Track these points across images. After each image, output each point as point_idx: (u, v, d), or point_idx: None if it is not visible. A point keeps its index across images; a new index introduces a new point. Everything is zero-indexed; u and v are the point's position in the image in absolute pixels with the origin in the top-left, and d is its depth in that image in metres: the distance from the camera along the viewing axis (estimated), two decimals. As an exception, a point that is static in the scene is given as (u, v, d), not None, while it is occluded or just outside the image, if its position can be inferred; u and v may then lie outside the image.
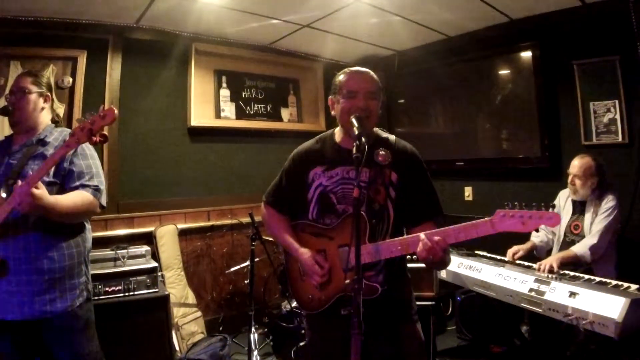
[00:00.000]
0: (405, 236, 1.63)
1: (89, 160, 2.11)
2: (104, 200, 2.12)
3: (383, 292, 1.67)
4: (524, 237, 3.42)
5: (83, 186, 2.04)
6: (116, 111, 1.78)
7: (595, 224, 2.94)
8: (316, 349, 1.92)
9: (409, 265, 2.01)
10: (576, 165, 3.04)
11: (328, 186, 1.82)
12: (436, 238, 1.52)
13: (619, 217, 2.95)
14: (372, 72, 1.79)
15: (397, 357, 1.76)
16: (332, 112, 1.85)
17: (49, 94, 2.21)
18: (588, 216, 3.01)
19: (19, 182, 1.81)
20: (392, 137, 1.86)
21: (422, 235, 1.55)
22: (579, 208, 3.13)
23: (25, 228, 1.96)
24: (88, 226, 2.20)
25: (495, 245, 3.44)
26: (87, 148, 2.12)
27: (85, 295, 2.10)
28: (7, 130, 2.25)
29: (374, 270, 1.74)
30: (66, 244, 2.03)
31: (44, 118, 2.18)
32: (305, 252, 1.82)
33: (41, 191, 1.81)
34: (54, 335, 2.01)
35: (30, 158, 2.03)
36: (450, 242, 1.54)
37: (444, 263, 1.62)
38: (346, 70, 1.82)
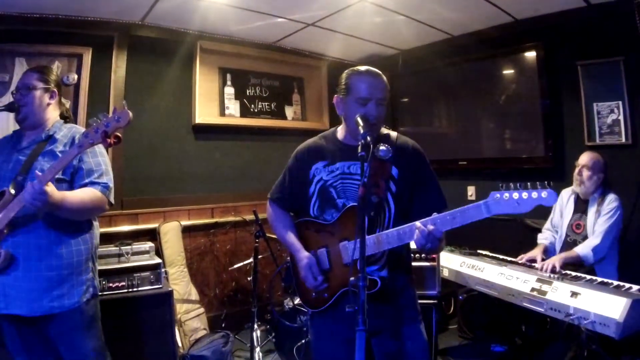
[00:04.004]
0: (402, 226, 1.63)
1: (99, 157, 2.11)
2: (112, 198, 2.13)
3: (385, 286, 1.68)
4: (528, 235, 3.44)
5: (92, 183, 2.05)
6: (131, 114, 1.75)
7: (598, 224, 2.93)
8: (320, 346, 1.93)
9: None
10: (586, 157, 3.04)
11: (328, 181, 1.83)
12: (430, 227, 1.53)
13: (621, 218, 2.95)
14: (382, 76, 1.78)
15: (400, 357, 1.77)
16: (338, 111, 1.85)
17: (55, 90, 2.19)
18: (591, 215, 3.00)
19: (29, 184, 1.81)
20: (393, 134, 1.89)
21: (417, 223, 1.57)
22: (581, 207, 3.11)
23: (35, 224, 1.97)
24: (96, 223, 2.21)
25: (497, 245, 3.45)
26: (97, 146, 2.10)
27: (91, 291, 2.12)
28: (13, 126, 2.26)
29: (377, 265, 1.76)
30: (74, 241, 2.05)
31: (51, 114, 2.17)
32: (303, 257, 1.82)
33: (51, 189, 1.81)
34: (60, 331, 2.02)
35: (39, 155, 2.03)
36: (445, 228, 1.54)
37: (440, 249, 1.64)
38: (356, 70, 1.78)
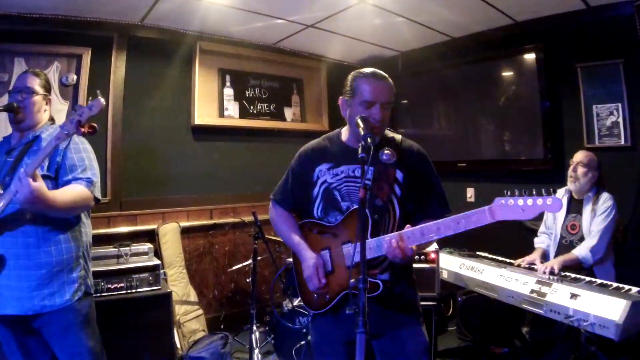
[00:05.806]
0: (404, 230, 1.63)
1: (82, 153, 2.11)
2: (97, 193, 2.11)
3: (387, 289, 1.68)
4: (527, 237, 3.43)
5: (76, 179, 2.04)
6: (103, 101, 1.82)
7: (594, 224, 2.91)
8: (321, 347, 1.92)
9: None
10: (581, 154, 3.03)
11: (332, 183, 1.83)
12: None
13: (617, 217, 2.93)
14: (388, 79, 1.77)
15: (401, 359, 1.76)
16: (342, 113, 1.85)
17: (50, 96, 2.25)
18: (586, 215, 2.98)
19: (16, 176, 1.81)
20: (398, 137, 1.88)
21: (408, 226, 1.61)
22: (575, 207, 3.09)
23: (23, 223, 1.97)
24: (87, 221, 2.21)
25: (497, 247, 3.44)
26: (80, 142, 2.12)
27: (84, 289, 2.10)
28: (8, 128, 2.26)
29: (379, 268, 1.75)
30: (64, 238, 2.04)
31: (43, 118, 2.21)
32: (310, 258, 1.82)
33: (39, 184, 1.81)
34: (54, 330, 2.01)
35: (25, 155, 2.05)
36: (449, 233, 1.54)
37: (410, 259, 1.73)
38: (362, 73, 1.77)
